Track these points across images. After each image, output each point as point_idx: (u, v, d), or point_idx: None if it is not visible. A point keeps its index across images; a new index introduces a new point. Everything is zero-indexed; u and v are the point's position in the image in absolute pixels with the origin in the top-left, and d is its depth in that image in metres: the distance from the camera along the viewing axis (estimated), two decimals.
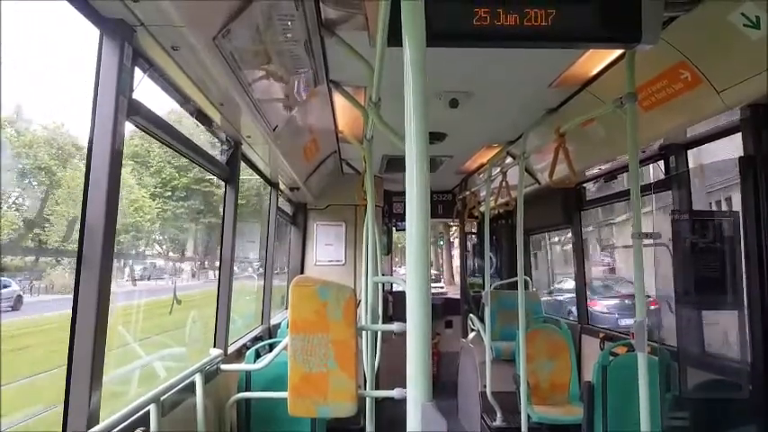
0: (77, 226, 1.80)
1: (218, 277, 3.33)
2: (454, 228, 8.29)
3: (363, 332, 3.37)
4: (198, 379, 2.62)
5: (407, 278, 1.06)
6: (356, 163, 5.44)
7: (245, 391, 3.11)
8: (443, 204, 7.41)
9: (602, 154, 3.63)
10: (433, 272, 21.03)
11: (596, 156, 3.71)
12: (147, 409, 2.06)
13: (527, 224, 3.92)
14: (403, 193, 1.08)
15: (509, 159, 4.71)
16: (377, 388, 3.96)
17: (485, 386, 4.58)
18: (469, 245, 8.19)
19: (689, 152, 3.27)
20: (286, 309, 4.35)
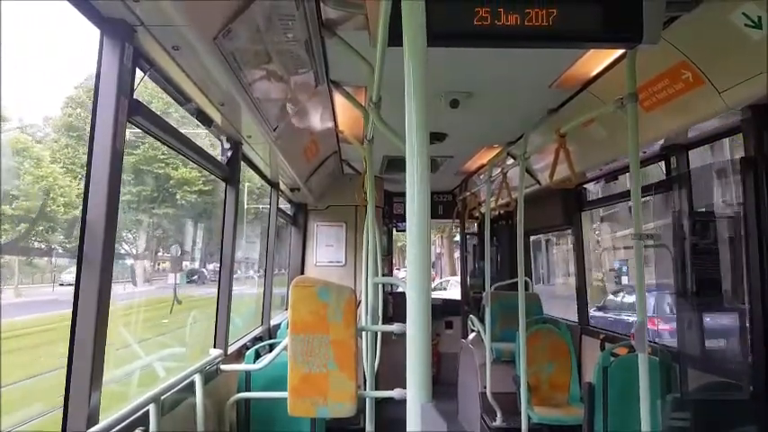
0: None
1: (218, 279, 3.33)
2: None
3: (363, 333, 3.37)
4: (197, 379, 2.62)
5: (408, 279, 1.06)
6: (356, 163, 5.44)
7: (245, 391, 3.11)
8: (444, 205, 7.41)
9: (603, 155, 3.63)
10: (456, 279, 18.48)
11: (597, 156, 3.70)
12: (146, 408, 2.06)
13: (527, 225, 3.92)
14: (403, 194, 1.08)
15: (510, 160, 4.71)
16: (377, 388, 3.95)
17: (485, 387, 4.58)
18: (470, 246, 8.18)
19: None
20: (286, 309, 4.34)
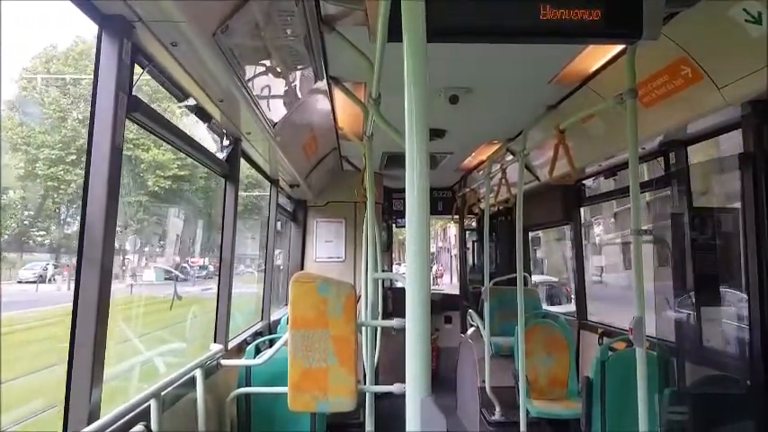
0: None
1: (218, 275, 3.33)
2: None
3: (363, 328, 3.38)
4: (198, 374, 2.63)
5: (407, 274, 1.06)
6: (356, 160, 5.44)
7: (246, 386, 3.12)
8: (443, 201, 7.43)
9: (603, 150, 3.63)
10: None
11: (596, 152, 3.71)
12: (147, 404, 2.07)
13: (526, 221, 3.93)
14: (403, 190, 1.08)
15: (509, 156, 4.71)
16: (376, 383, 3.97)
17: (483, 381, 4.60)
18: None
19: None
20: (286, 305, 4.35)
